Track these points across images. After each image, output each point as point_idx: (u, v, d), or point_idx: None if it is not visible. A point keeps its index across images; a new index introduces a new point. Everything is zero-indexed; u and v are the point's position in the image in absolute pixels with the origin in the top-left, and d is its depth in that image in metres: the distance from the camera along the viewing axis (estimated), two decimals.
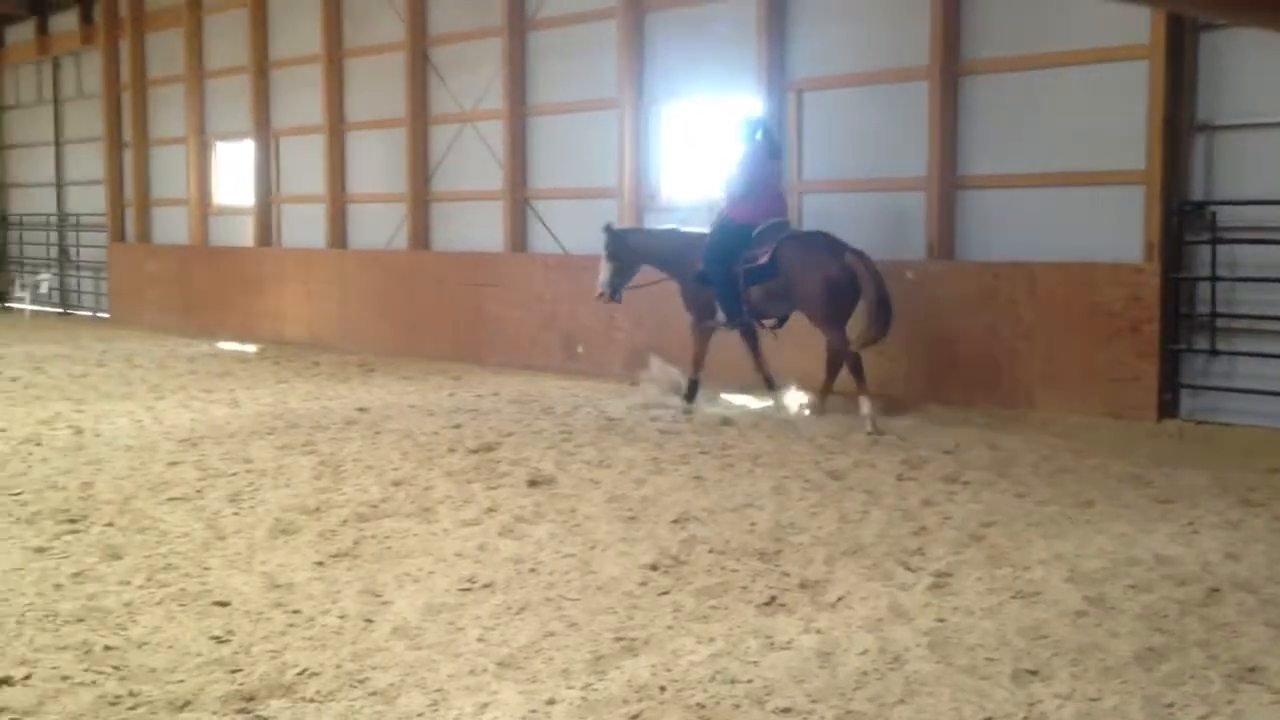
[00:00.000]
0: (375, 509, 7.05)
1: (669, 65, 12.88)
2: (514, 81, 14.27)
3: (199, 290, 18.94)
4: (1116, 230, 9.86)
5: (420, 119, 15.50)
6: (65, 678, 4.43)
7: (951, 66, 10.73)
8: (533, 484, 7.69)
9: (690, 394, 10.74)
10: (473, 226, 15.07)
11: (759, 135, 10.53)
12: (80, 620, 5.05)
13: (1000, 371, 10.32)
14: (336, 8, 16.51)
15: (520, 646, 4.79)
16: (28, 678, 4.42)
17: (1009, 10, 10.47)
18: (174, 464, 8.35)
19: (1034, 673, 4.53)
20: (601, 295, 11.35)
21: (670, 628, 5.03)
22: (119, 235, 20.99)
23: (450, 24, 15.13)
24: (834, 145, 11.68)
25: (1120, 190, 9.90)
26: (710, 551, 6.13)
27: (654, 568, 5.86)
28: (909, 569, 5.86)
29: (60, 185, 23.14)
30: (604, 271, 11.32)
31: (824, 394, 10.31)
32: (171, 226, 20.08)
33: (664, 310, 12.00)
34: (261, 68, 17.79)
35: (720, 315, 10.58)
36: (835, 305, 9.94)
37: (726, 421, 10.02)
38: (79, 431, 9.61)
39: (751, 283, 10.22)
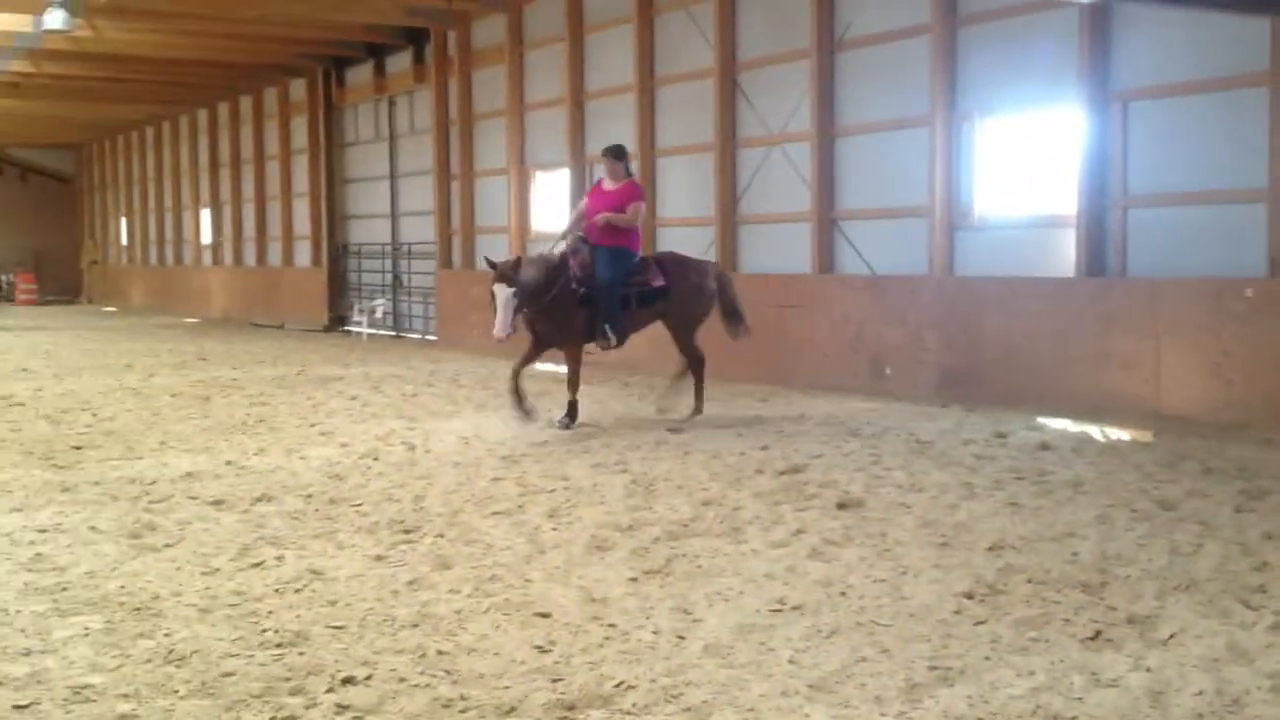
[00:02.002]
0: (685, 528, 7.16)
1: (983, 79, 12.56)
2: (822, 102, 14.27)
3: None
4: None
5: (729, 143, 15.71)
6: (402, 679, 4.69)
7: None
8: (841, 506, 7.63)
9: (572, 415, 11.18)
10: (779, 248, 15.14)
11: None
12: (415, 625, 5.36)
13: None
14: (649, 38, 16.98)
15: (832, 670, 4.75)
16: (369, 678, 4.71)
17: None
18: (497, 480, 8.75)
19: None
20: (508, 337, 10.68)
21: (987, 658, 4.87)
22: (446, 262, 22.22)
23: (759, 48, 15.27)
24: (1162, 156, 11.09)
25: None
26: (1029, 581, 5.91)
27: (969, 596, 5.70)
28: (1249, 607, 5.47)
29: (394, 216, 24.75)
30: (506, 312, 10.62)
31: (671, 390, 11.84)
32: (494, 253, 21.03)
33: (975, 331, 11.68)
34: (578, 99, 18.50)
35: (611, 336, 11.21)
36: (705, 315, 11.57)
37: (1044, 446, 9.65)
38: (411, 447, 10.21)
39: (642, 304, 11.31)
